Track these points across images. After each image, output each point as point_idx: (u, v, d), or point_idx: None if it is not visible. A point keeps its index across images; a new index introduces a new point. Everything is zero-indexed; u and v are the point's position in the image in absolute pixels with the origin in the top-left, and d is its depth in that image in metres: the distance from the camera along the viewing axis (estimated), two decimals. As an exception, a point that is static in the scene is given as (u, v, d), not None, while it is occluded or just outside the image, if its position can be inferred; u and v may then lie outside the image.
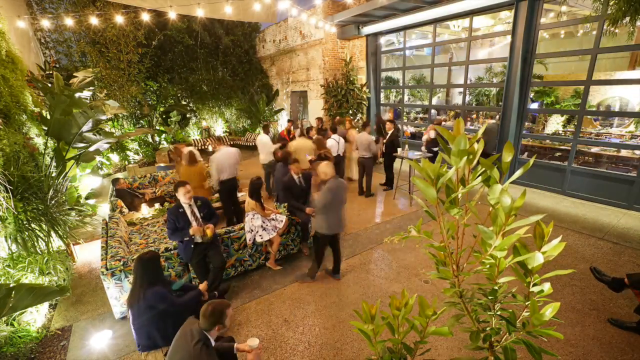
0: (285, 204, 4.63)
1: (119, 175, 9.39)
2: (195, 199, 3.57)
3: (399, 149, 6.62)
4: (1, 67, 4.33)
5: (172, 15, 6.47)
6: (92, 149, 4.91)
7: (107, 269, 3.30)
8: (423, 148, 6.70)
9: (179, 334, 2.16)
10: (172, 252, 3.65)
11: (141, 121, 11.16)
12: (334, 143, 6.52)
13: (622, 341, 2.92)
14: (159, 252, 2.78)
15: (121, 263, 3.36)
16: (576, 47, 9.44)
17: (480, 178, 1.09)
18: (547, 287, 1.07)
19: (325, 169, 3.67)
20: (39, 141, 5.04)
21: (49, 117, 4.57)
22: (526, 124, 7.50)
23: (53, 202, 4.24)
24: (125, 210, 5.35)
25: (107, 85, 9.66)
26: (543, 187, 6.60)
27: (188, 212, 3.47)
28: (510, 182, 1.05)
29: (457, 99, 13.10)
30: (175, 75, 12.23)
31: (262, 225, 4.00)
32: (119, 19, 6.74)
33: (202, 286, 3.06)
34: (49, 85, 5.36)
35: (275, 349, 3.04)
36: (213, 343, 2.15)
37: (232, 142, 12.68)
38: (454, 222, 1.20)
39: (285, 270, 4.27)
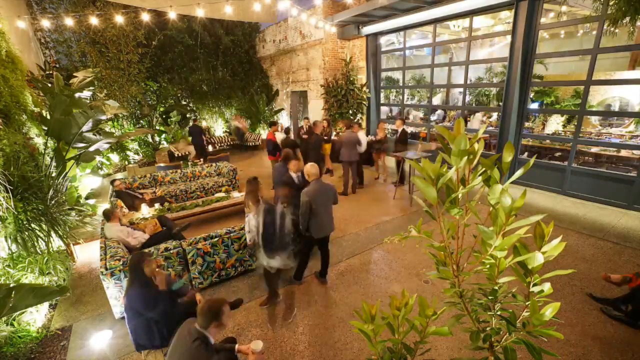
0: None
1: (119, 175, 9.39)
2: None
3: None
4: (1, 67, 4.33)
5: (172, 15, 6.47)
6: (92, 149, 4.91)
7: (106, 269, 3.30)
8: None
9: (178, 333, 2.16)
10: (171, 251, 3.66)
11: (141, 121, 11.15)
12: None
13: (622, 341, 2.92)
14: (142, 254, 2.84)
15: (120, 263, 3.36)
16: (576, 47, 9.44)
17: (480, 178, 1.09)
18: (547, 287, 1.07)
19: (309, 169, 3.62)
20: (39, 141, 5.04)
21: (49, 117, 4.57)
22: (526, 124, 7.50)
23: (53, 202, 4.24)
24: (126, 210, 5.35)
25: (107, 85, 9.66)
26: (543, 187, 6.60)
27: None
28: (510, 182, 1.05)
29: (457, 99, 13.11)
30: (175, 75, 12.22)
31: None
32: (119, 19, 6.74)
33: (196, 293, 3.04)
34: (49, 85, 5.36)
35: (275, 349, 3.04)
36: (212, 342, 2.15)
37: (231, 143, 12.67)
38: (454, 222, 1.20)
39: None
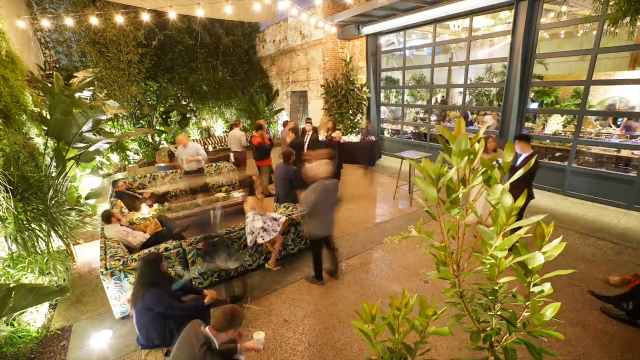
0: (285, 204, 4.64)
1: (119, 175, 9.40)
2: None
3: None
4: (1, 67, 4.33)
5: (172, 15, 6.47)
6: (92, 149, 4.91)
7: (106, 269, 3.30)
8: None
9: (183, 336, 2.16)
10: (171, 251, 3.65)
11: (141, 121, 11.15)
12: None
13: (622, 341, 2.92)
14: (161, 254, 2.83)
15: (120, 263, 3.36)
16: (576, 47, 9.44)
17: (481, 178, 1.09)
18: (547, 287, 1.07)
19: (316, 169, 3.61)
20: (39, 141, 5.03)
21: (49, 117, 4.57)
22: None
23: (53, 202, 4.24)
24: (126, 210, 5.35)
25: (107, 85, 9.66)
26: (543, 187, 6.59)
27: None
28: (511, 182, 1.05)
29: (457, 99, 13.11)
30: (175, 75, 12.22)
31: (262, 226, 4.00)
32: (119, 19, 6.74)
33: (210, 293, 3.03)
34: (49, 85, 5.36)
35: (275, 349, 3.04)
36: (217, 346, 2.15)
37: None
38: (454, 222, 1.20)
39: (285, 270, 4.27)
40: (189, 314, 2.65)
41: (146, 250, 3.64)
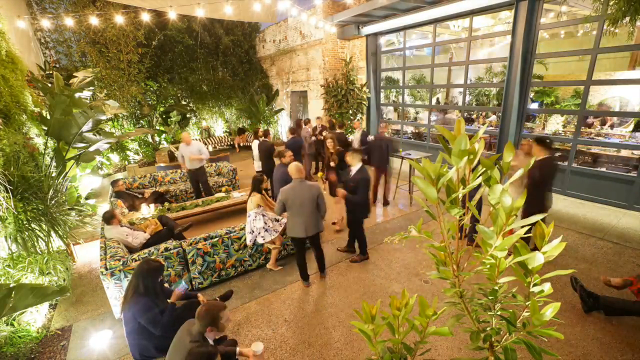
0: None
1: (119, 175, 9.39)
2: None
3: None
4: (1, 67, 4.33)
5: (172, 15, 6.47)
6: (92, 149, 4.91)
7: (106, 269, 3.30)
8: None
9: (178, 335, 2.17)
10: (171, 251, 3.65)
11: (141, 121, 11.16)
12: None
13: (622, 341, 2.92)
14: (162, 264, 2.73)
15: (120, 263, 3.36)
16: (576, 47, 9.44)
17: (480, 178, 1.09)
18: (547, 287, 1.07)
19: (291, 168, 3.66)
20: (39, 141, 5.03)
21: (49, 117, 4.57)
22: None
23: (53, 202, 4.24)
24: (125, 210, 5.35)
25: (107, 85, 9.66)
26: (543, 187, 6.59)
27: None
28: (511, 182, 1.05)
29: (457, 99, 13.11)
30: (175, 75, 12.23)
31: (264, 226, 4.00)
32: (119, 19, 6.74)
33: (200, 297, 3.02)
34: (49, 85, 5.36)
35: (275, 349, 3.04)
36: (211, 343, 2.15)
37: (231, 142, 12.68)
38: (454, 222, 1.20)
39: (285, 270, 4.27)
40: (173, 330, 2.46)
41: (146, 251, 3.64)
